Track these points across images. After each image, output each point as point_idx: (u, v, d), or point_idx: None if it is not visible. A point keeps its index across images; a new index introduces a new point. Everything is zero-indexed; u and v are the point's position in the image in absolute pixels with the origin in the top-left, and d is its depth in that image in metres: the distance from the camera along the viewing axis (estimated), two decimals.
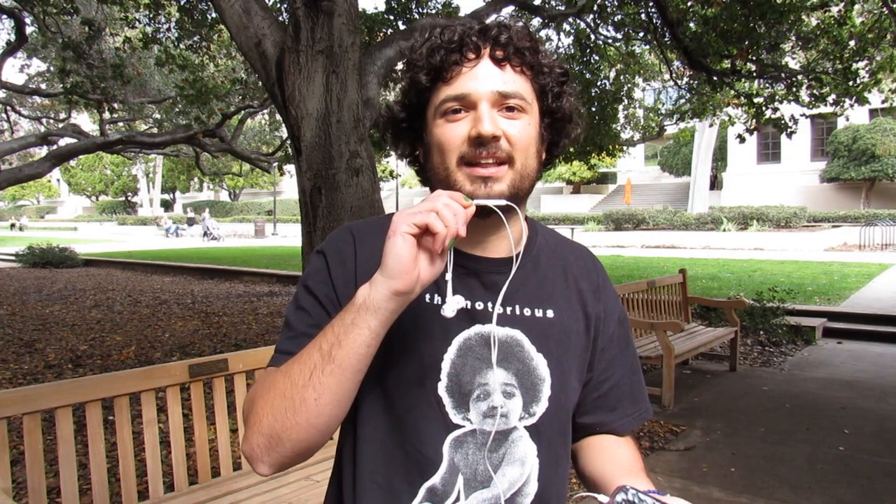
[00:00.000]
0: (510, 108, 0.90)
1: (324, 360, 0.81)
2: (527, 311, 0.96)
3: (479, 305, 0.94)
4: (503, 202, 0.87)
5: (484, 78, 0.89)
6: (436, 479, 0.92)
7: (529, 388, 0.94)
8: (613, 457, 1.02)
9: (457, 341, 0.93)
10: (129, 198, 52.57)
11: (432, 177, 0.94)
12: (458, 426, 0.92)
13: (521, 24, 0.95)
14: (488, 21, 0.92)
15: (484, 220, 0.90)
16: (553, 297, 0.99)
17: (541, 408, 0.94)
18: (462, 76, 0.89)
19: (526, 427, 0.94)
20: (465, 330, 0.93)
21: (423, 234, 0.77)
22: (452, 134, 0.89)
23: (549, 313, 0.98)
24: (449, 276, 0.85)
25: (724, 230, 22.15)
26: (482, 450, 0.93)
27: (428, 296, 0.94)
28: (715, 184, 31.85)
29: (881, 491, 3.33)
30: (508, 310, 0.95)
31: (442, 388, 0.92)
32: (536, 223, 1.07)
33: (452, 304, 0.83)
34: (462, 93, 0.89)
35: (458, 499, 0.91)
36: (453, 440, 0.92)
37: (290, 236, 29.67)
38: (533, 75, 0.93)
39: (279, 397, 0.83)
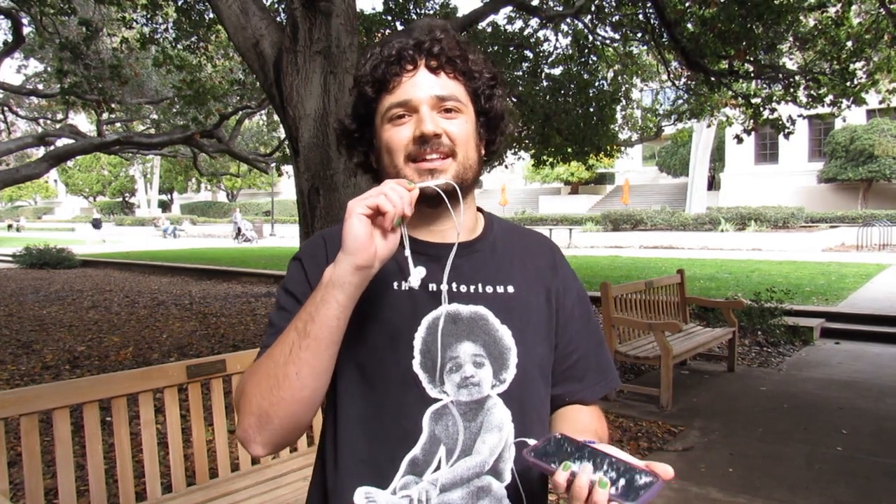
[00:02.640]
0: (448, 110, 1.01)
1: (300, 336, 0.90)
2: (489, 289, 1.06)
3: (444, 287, 1.02)
4: (443, 181, 0.98)
5: (422, 84, 1.01)
6: (416, 451, 0.98)
7: (497, 357, 1.02)
8: (573, 422, 1.09)
9: (426, 321, 1.01)
10: (126, 198, 52.49)
11: (384, 177, 1.03)
12: (435, 399, 0.99)
13: (450, 35, 1.05)
14: (423, 36, 1.03)
15: (435, 208, 1.02)
16: (512, 275, 1.09)
17: (510, 374, 1.02)
18: (403, 85, 1.01)
19: (499, 394, 1.02)
20: (433, 310, 1.02)
21: (376, 215, 0.88)
22: (399, 136, 1.01)
23: (510, 289, 1.07)
24: (407, 252, 0.95)
25: (722, 230, 22.15)
26: (461, 420, 1.00)
27: (396, 283, 1.03)
28: (713, 184, 31.85)
29: (879, 491, 3.33)
30: (472, 288, 1.05)
31: (416, 366, 1.00)
32: (493, 216, 1.18)
33: (416, 275, 0.95)
34: (404, 99, 1.00)
35: (438, 468, 0.98)
36: (433, 413, 0.99)
37: (287, 237, 29.66)
38: (465, 80, 1.05)
39: (264, 377, 0.92)
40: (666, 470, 0.78)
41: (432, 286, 1.02)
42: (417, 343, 1.00)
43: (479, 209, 1.15)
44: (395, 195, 0.87)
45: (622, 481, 0.77)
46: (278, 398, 0.90)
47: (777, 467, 3.63)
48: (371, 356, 1.00)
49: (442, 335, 1.00)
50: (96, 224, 30.03)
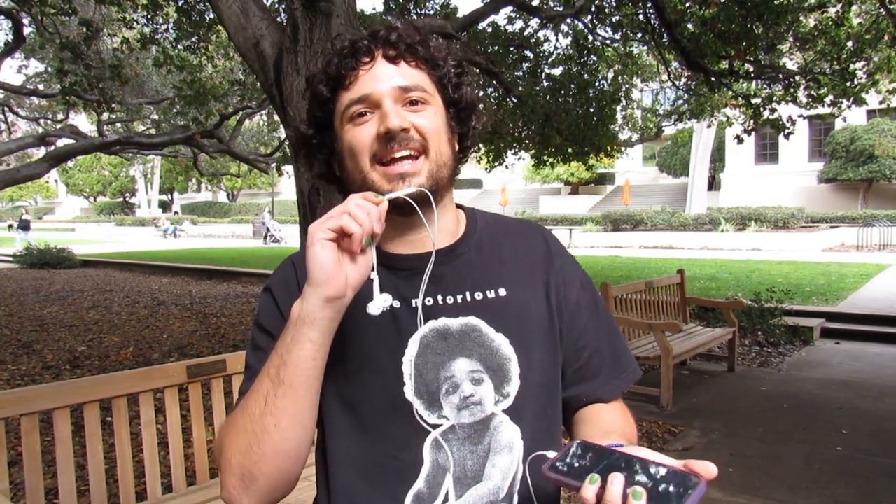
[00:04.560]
0: (413, 102, 0.91)
1: (274, 383, 0.81)
2: (478, 295, 0.95)
3: (429, 301, 0.93)
4: (414, 189, 0.87)
5: (382, 76, 0.90)
6: (420, 484, 0.89)
7: (497, 369, 0.93)
8: (595, 423, 0.99)
9: (413, 342, 0.92)
10: (126, 199, 52.50)
11: (350, 184, 0.94)
12: (435, 426, 0.90)
13: (409, 23, 0.97)
14: (379, 27, 0.94)
15: (408, 216, 0.90)
16: (502, 276, 0.98)
17: (513, 387, 0.93)
18: (360, 79, 0.91)
19: (504, 410, 0.92)
20: (420, 328, 0.93)
21: (341, 238, 0.78)
22: (362, 135, 0.90)
23: (501, 292, 0.97)
24: (374, 275, 0.83)
25: (722, 231, 22.14)
26: (466, 444, 0.91)
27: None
28: (713, 184, 31.84)
29: (879, 491, 3.33)
30: (459, 298, 0.95)
31: (409, 392, 0.90)
32: (476, 211, 1.07)
33: (378, 303, 0.83)
34: (363, 94, 0.90)
35: (446, 499, 0.89)
36: (434, 440, 0.90)
37: (288, 237, 29.62)
38: (429, 68, 0.95)
39: (241, 433, 0.83)
40: (707, 468, 0.66)
41: (415, 302, 0.93)
42: (407, 368, 0.90)
43: (459, 206, 1.05)
44: (361, 212, 0.77)
45: (659, 488, 0.67)
46: (259, 455, 0.81)
47: (777, 467, 3.64)
48: (357, 388, 0.91)
49: (438, 354, 0.91)
50: (24, 225, 26.15)
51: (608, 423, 0.98)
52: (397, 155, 0.89)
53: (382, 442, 0.90)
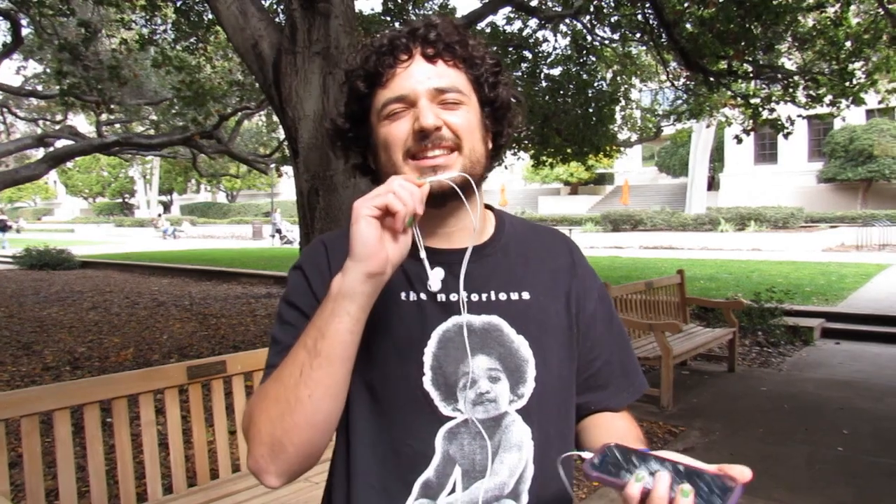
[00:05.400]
0: (448, 102, 0.93)
1: (310, 354, 0.83)
2: (502, 296, 0.98)
3: (454, 297, 0.95)
4: (456, 174, 0.89)
5: (419, 76, 0.92)
6: (429, 473, 0.92)
7: (514, 370, 0.95)
8: (608, 429, 1.02)
9: (436, 334, 0.94)
10: (126, 199, 52.48)
11: (384, 177, 0.95)
12: (449, 418, 0.93)
13: (448, 20, 0.97)
14: (418, 23, 0.95)
15: (440, 209, 0.93)
16: (527, 280, 1.01)
17: (528, 388, 0.95)
18: (398, 77, 0.92)
19: (517, 410, 0.95)
20: (443, 322, 0.94)
21: (384, 216, 0.80)
22: (397, 131, 0.92)
23: (525, 295, 0.99)
24: (423, 254, 0.87)
25: (722, 231, 22.15)
26: (477, 439, 0.93)
27: (403, 293, 0.96)
28: (712, 184, 31.86)
29: (879, 491, 3.33)
30: (484, 297, 0.97)
31: (427, 383, 0.93)
32: (504, 213, 1.09)
33: (436, 277, 0.87)
34: (400, 94, 0.92)
35: (453, 490, 0.91)
36: (446, 432, 0.93)
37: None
38: (466, 68, 0.96)
39: (273, 402, 0.85)
40: (743, 472, 0.69)
41: (441, 296, 0.95)
42: (427, 359, 0.93)
43: (488, 206, 1.06)
44: (405, 192, 0.80)
45: (701, 489, 0.69)
46: (291, 424, 0.83)
47: (777, 468, 3.64)
48: (379, 374, 0.94)
49: (458, 349, 0.93)
50: (2, 227, 24.87)
51: (622, 431, 1.01)
52: (430, 154, 0.91)
53: (398, 428, 0.93)
